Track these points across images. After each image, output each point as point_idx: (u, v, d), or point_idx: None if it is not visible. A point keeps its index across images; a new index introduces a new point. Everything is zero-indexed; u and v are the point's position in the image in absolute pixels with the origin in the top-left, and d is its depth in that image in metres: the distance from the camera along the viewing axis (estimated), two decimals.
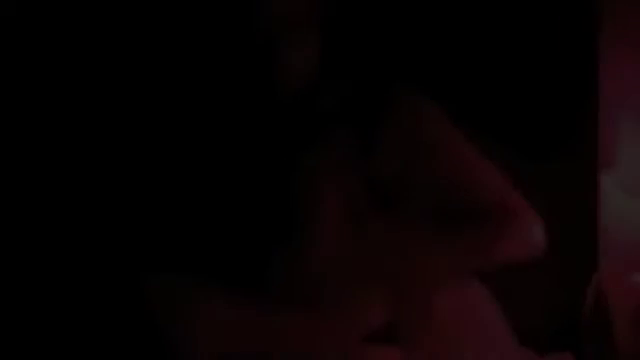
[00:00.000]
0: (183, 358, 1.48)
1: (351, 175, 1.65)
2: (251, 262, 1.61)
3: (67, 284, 1.61)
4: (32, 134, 1.91)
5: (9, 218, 1.80)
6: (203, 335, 1.49)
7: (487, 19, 1.82)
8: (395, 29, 1.84)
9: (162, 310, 1.48)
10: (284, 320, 1.58)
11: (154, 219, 1.66)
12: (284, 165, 1.64)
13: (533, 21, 1.82)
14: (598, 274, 1.94)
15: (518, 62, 1.83)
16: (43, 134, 1.91)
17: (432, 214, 1.75)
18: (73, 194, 1.80)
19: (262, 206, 1.62)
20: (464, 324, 1.78)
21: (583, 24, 1.81)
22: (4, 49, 1.84)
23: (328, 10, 1.63)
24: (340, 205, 1.62)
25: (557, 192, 1.87)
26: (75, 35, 1.86)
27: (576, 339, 1.94)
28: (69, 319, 1.56)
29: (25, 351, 1.62)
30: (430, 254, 1.73)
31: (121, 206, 1.69)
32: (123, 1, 1.81)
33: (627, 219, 2.00)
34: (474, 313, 1.80)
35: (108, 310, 1.51)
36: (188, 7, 1.74)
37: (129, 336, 1.48)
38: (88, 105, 1.92)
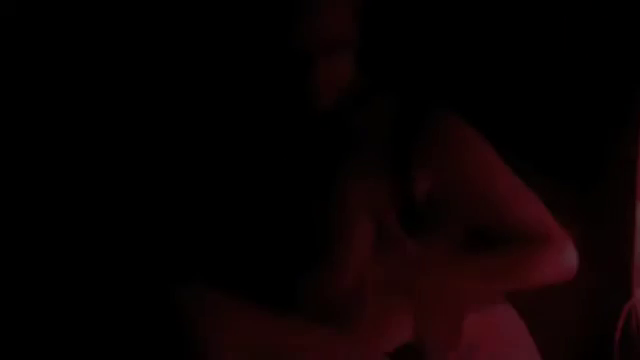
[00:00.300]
0: None
1: (383, 193, 1.66)
2: (282, 279, 1.63)
3: (100, 293, 1.65)
4: (32, 134, 1.92)
5: (30, 225, 1.83)
6: (230, 347, 1.51)
7: (526, 42, 1.82)
8: (431, 49, 1.84)
9: (192, 321, 1.50)
10: (312, 337, 1.60)
11: (189, 232, 1.69)
12: (317, 183, 1.65)
13: (575, 48, 1.81)
14: (631, 300, 1.92)
15: (562, 90, 1.82)
16: (43, 134, 1.92)
17: (465, 235, 1.75)
18: (102, 206, 1.83)
19: (294, 224, 1.64)
20: (492, 343, 1.78)
21: (625, 53, 1.79)
22: (4, 49, 1.86)
23: (365, 30, 1.63)
24: (371, 224, 1.64)
25: (593, 219, 1.87)
26: (75, 35, 1.87)
27: None
28: (100, 326, 1.59)
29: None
30: (462, 275, 1.74)
31: (156, 218, 1.71)
32: (131, 6, 1.82)
33: None
34: (502, 333, 1.80)
35: (139, 318, 1.53)
36: (225, 21, 1.75)
37: (159, 344, 1.50)
38: (89, 105, 1.93)
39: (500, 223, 1.73)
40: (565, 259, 1.77)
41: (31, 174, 1.85)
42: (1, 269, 1.80)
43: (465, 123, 1.70)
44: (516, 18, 1.82)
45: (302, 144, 1.67)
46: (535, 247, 1.74)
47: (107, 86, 1.85)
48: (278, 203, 1.66)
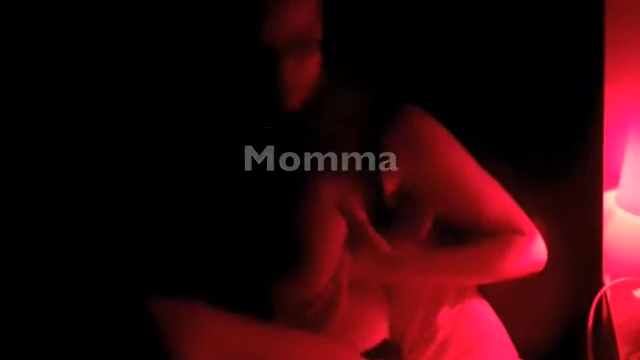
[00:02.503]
0: None
1: (354, 191, 1.67)
2: (256, 282, 1.63)
3: (75, 302, 1.64)
4: (32, 134, 1.91)
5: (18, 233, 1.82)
6: (205, 355, 1.51)
7: (493, 38, 1.83)
8: (398, 45, 1.85)
9: (167, 332, 1.50)
10: (287, 340, 1.61)
11: (162, 240, 1.68)
12: (287, 183, 1.66)
13: (540, 42, 1.82)
14: (602, 290, 1.94)
15: (527, 85, 1.83)
16: (43, 134, 1.91)
17: (436, 230, 1.77)
18: (81, 212, 1.82)
19: (266, 225, 1.65)
20: (466, 337, 1.80)
21: (590, 48, 1.81)
22: (4, 49, 1.85)
23: (332, 27, 1.64)
24: (343, 222, 1.64)
25: (561, 210, 1.88)
26: (75, 35, 1.87)
27: (579, 352, 1.94)
28: (75, 334, 1.59)
29: None
30: (434, 270, 1.76)
31: (130, 228, 1.71)
32: (122, 4, 1.82)
33: (630, 236, 2.02)
34: (476, 326, 1.82)
35: (114, 326, 1.53)
36: (192, 22, 1.75)
37: (134, 356, 1.50)
38: (89, 106, 1.93)
39: (469, 218, 1.75)
40: (534, 251, 1.79)
41: (31, 174, 1.84)
42: None
43: (433, 119, 1.72)
44: (482, 15, 1.83)
45: (271, 142, 1.67)
46: (505, 240, 1.76)
47: (107, 86, 1.85)
48: (249, 204, 1.66)
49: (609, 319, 1.94)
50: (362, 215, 1.67)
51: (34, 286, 1.75)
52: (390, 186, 1.69)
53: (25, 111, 1.87)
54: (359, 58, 1.82)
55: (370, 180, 1.67)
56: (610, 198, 1.97)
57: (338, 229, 1.63)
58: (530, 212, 1.79)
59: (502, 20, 1.83)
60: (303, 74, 1.62)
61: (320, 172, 1.65)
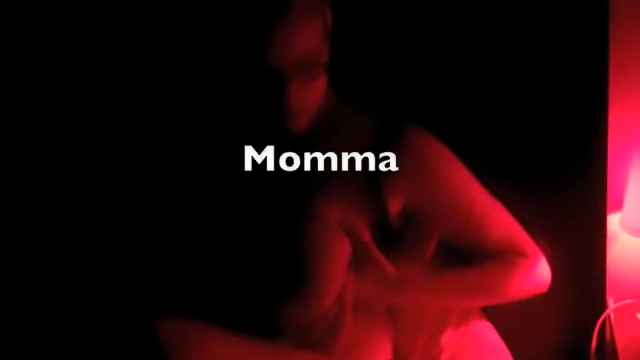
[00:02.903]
0: None
1: (359, 212, 1.67)
2: (262, 303, 1.64)
3: (81, 320, 1.64)
4: (32, 134, 1.91)
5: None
6: None
7: (498, 60, 1.83)
8: (403, 68, 1.85)
9: (172, 349, 1.50)
10: None
11: (169, 260, 1.69)
12: (292, 203, 1.66)
13: (544, 66, 1.83)
14: (605, 312, 1.94)
15: (533, 107, 1.84)
16: (43, 134, 1.91)
17: (440, 252, 1.77)
18: (89, 228, 1.82)
19: (271, 246, 1.65)
20: (470, 359, 1.80)
21: (594, 71, 1.82)
22: (4, 49, 1.85)
23: (338, 49, 1.64)
24: (348, 244, 1.64)
25: (565, 232, 1.88)
26: (75, 35, 1.87)
27: None
28: (82, 353, 1.59)
29: None
30: (439, 292, 1.76)
31: (138, 248, 1.71)
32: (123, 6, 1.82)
33: (633, 259, 2.02)
34: (480, 347, 1.82)
35: (121, 346, 1.53)
36: (201, 40, 1.76)
37: None
38: (89, 105, 1.92)
39: (474, 239, 1.75)
40: (538, 273, 1.79)
41: (30, 174, 1.84)
42: None
43: (437, 141, 1.72)
44: (486, 37, 1.83)
45: (277, 163, 1.67)
46: (509, 262, 1.76)
47: (106, 86, 1.85)
48: (254, 224, 1.66)
49: (612, 341, 1.94)
50: (367, 236, 1.67)
51: (40, 304, 1.75)
52: (394, 207, 1.69)
53: (25, 111, 1.87)
54: (365, 79, 1.83)
55: (374, 201, 1.67)
56: (614, 221, 1.98)
57: (342, 250, 1.64)
58: (534, 234, 1.79)
59: (507, 43, 1.83)
60: (309, 96, 1.63)
61: (325, 193, 1.65)
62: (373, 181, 1.67)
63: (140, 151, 1.82)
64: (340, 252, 1.63)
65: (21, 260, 1.81)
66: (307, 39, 1.59)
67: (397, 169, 1.67)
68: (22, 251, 1.82)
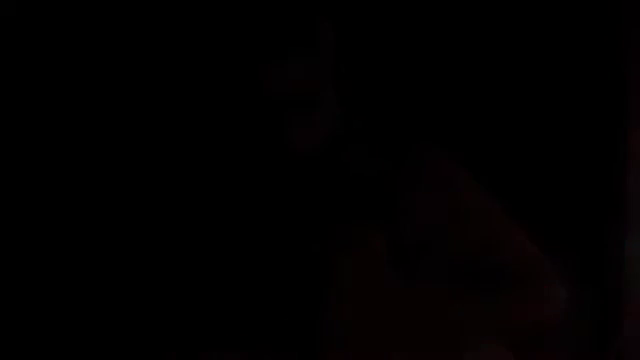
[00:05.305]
0: None
1: (374, 237, 1.64)
2: (272, 320, 1.60)
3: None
4: (32, 134, 1.90)
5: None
6: None
7: (513, 90, 1.83)
8: (414, 88, 1.85)
9: None
10: None
11: (207, 299, 1.67)
12: (302, 226, 1.63)
13: (563, 91, 1.83)
14: (621, 335, 1.92)
15: (547, 129, 1.83)
16: (43, 134, 1.90)
17: (456, 276, 1.74)
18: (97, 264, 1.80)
19: (279, 267, 1.63)
20: None
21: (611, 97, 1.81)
22: (4, 49, 1.84)
23: (346, 72, 1.63)
24: (361, 269, 1.62)
25: (583, 255, 1.86)
26: (75, 35, 1.86)
27: None
28: None
29: None
30: (452, 315, 1.72)
31: (180, 289, 1.70)
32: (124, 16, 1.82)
33: None
34: None
35: None
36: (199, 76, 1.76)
37: None
38: (89, 105, 1.92)
39: (492, 264, 1.73)
40: (554, 296, 1.76)
41: (30, 174, 1.84)
42: None
43: (451, 160, 1.70)
44: (500, 63, 1.83)
45: (287, 187, 1.65)
46: (524, 285, 1.74)
47: (106, 86, 1.85)
48: (264, 246, 1.65)
49: None
50: (383, 261, 1.64)
51: (43, 333, 1.74)
52: (407, 229, 1.67)
53: (25, 112, 1.86)
54: (377, 101, 1.83)
55: (387, 222, 1.65)
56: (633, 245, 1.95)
57: (353, 276, 1.62)
58: (549, 254, 1.76)
59: (521, 70, 1.83)
60: (314, 125, 1.62)
61: (335, 214, 1.64)
62: (385, 202, 1.65)
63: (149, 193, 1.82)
64: (352, 276, 1.60)
65: (24, 277, 1.80)
66: (300, 69, 1.59)
67: (410, 191, 1.65)
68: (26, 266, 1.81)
